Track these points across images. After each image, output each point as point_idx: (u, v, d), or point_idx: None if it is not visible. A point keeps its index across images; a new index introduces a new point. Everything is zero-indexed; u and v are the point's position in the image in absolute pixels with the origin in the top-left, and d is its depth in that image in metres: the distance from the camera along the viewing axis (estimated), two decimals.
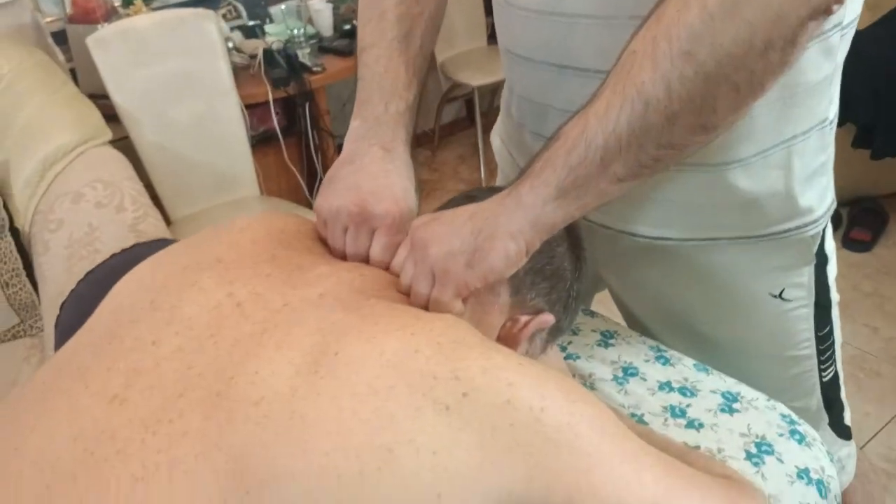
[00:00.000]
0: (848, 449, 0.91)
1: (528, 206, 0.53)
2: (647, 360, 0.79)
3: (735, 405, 0.73)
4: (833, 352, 0.81)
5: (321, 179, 2.19)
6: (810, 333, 0.77)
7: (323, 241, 0.66)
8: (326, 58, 2.09)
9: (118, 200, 1.39)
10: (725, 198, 0.67)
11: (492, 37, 2.24)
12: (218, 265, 0.56)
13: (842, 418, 0.88)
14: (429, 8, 0.72)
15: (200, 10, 1.76)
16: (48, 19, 1.86)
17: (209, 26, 1.73)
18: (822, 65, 0.62)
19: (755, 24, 0.45)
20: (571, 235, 0.68)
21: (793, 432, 0.70)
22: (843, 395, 0.86)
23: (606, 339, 0.84)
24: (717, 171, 0.65)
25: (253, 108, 1.94)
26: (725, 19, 0.45)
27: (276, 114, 1.99)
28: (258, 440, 0.43)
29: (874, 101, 1.81)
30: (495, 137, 0.93)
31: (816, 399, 0.83)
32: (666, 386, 0.76)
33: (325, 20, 2.19)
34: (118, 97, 1.63)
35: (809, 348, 0.78)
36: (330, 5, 2.20)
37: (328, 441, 0.42)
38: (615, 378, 0.77)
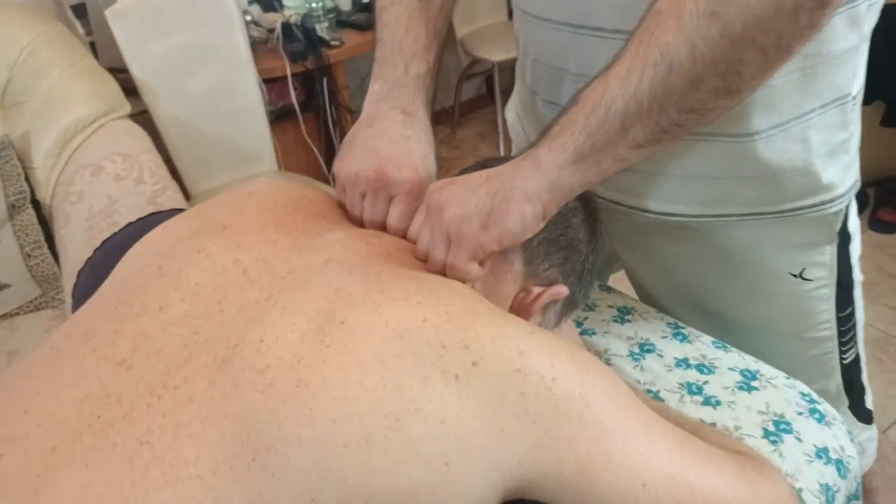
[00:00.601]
0: (869, 433, 0.89)
1: (545, 170, 0.52)
2: (664, 337, 0.78)
3: (753, 383, 0.72)
4: (854, 333, 0.79)
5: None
6: (831, 314, 0.75)
7: (332, 208, 0.65)
8: (345, 32, 2.07)
9: (137, 173, 1.39)
10: (743, 171, 0.65)
11: (512, 11, 2.22)
12: (224, 231, 0.56)
13: (863, 401, 0.86)
14: None
15: None
16: None
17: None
18: (847, 35, 0.60)
19: None
20: (588, 207, 0.67)
21: (812, 411, 0.69)
22: (864, 377, 0.84)
23: (623, 314, 0.82)
24: (735, 143, 0.63)
25: (271, 83, 1.94)
26: None
27: (295, 89, 1.98)
28: (264, 407, 0.43)
29: None
30: (510, 111, 0.91)
31: (836, 381, 0.81)
32: (683, 363, 0.75)
33: None
34: (136, 70, 1.63)
35: (830, 329, 0.76)
36: None
37: (334, 409, 0.42)
38: (631, 354, 0.76)
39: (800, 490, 0.62)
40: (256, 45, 1.90)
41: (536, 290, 0.62)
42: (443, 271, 0.56)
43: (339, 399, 0.42)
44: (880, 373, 1.58)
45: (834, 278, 0.72)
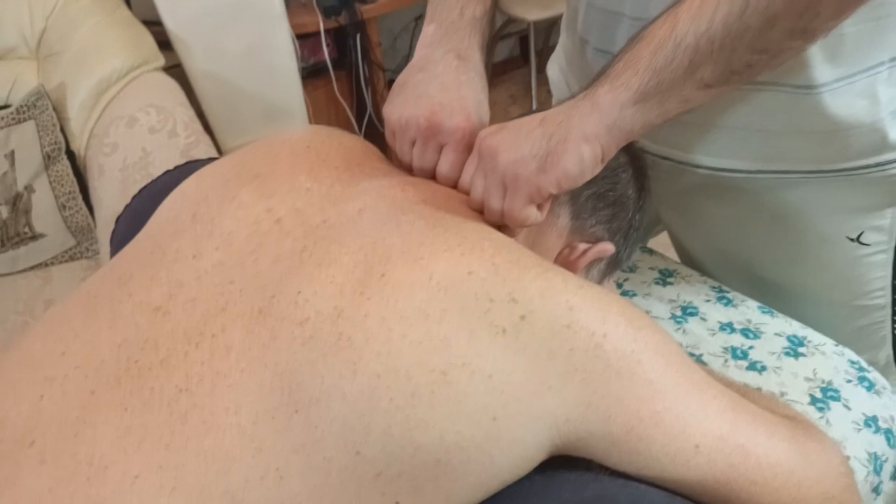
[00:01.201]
0: None
1: (605, 110, 0.50)
2: (707, 300, 0.76)
3: (800, 349, 0.70)
4: None
5: (370, 114, 2.17)
6: (886, 282, 0.73)
7: (367, 155, 0.63)
8: None
9: (171, 126, 1.39)
10: (804, 125, 0.62)
11: None
12: (256, 179, 0.55)
13: None
14: None
15: None
16: None
17: None
18: None
19: None
20: (636, 162, 0.65)
21: (861, 379, 0.67)
22: None
23: (665, 277, 0.81)
24: (798, 95, 0.60)
25: (304, 39, 1.91)
26: None
27: (327, 45, 1.96)
28: (305, 359, 0.42)
29: None
30: (553, 67, 0.88)
31: (886, 353, 0.79)
32: (727, 327, 0.73)
33: None
34: (170, 23, 1.61)
35: (884, 297, 0.74)
36: None
37: (378, 363, 0.41)
38: (673, 317, 0.75)
39: (847, 458, 0.60)
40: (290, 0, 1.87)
41: (582, 246, 0.60)
42: (500, 220, 0.54)
43: (382, 353, 0.41)
44: None
45: (893, 244, 0.69)
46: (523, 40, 2.96)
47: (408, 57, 2.43)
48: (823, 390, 0.66)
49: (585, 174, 0.52)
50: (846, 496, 0.48)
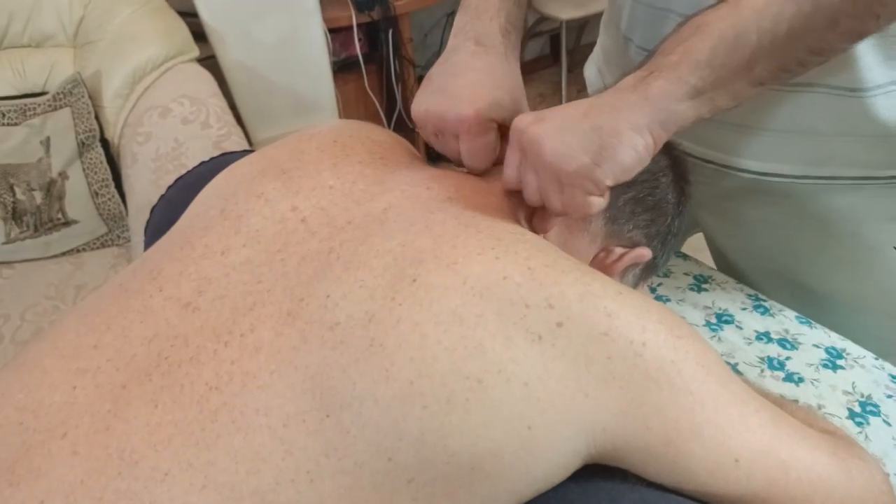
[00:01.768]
0: None
1: (658, 104, 0.48)
2: (743, 308, 0.75)
3: (839, 361, 0.68)
4: None
5: (400, 110, 2.17)
6: None
7: (395, 149, 0.62)
8: None
9: (204, 117, 1.40)
10: (855, 129, 0.60)
11: None
12: (283, 175, 0.54)
13: None
14: None
15: None
16: None
17: None
18: None
19: None
20: (678, 167, 0.63)
21: None
22: None
23: (700, 283, 0.79)
24: (849, 97, 0.58)
25: (336, 33, 1.92)
26: None
27: (359, 39, 1.96)
28: (336, 364, 0.41)
29: None
30: (590, 67, 0.86)
31: None
32: (764, 336, 0.71)
33: None
34: (206, 13, 1.62)
35: None
36: None
37: (412, 369, 0.40)
38: (707, 324, 0.73)
39: (887, 475, 0.59)
40: None
41: (619, 250, 0.59)
42: (562, 213, 0.53)
43: (416, 359, 0.40)
44: None
45: None
46: (554, 39, 2.94)
47: (438, 53, 2.42)
48: (862, 404, 0.64)
49: (641, 164, 0.50)
50: None
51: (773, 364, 0.68)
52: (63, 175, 1.40)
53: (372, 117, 2.12)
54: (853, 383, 0.66)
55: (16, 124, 1.36)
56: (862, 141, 0.60)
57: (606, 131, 0.49)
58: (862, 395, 0.65)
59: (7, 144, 1.36)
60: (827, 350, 0.69)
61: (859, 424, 0.62)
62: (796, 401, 0.64)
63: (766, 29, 0.44)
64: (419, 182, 0.55)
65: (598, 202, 0.52)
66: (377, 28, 1.97)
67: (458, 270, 0.43)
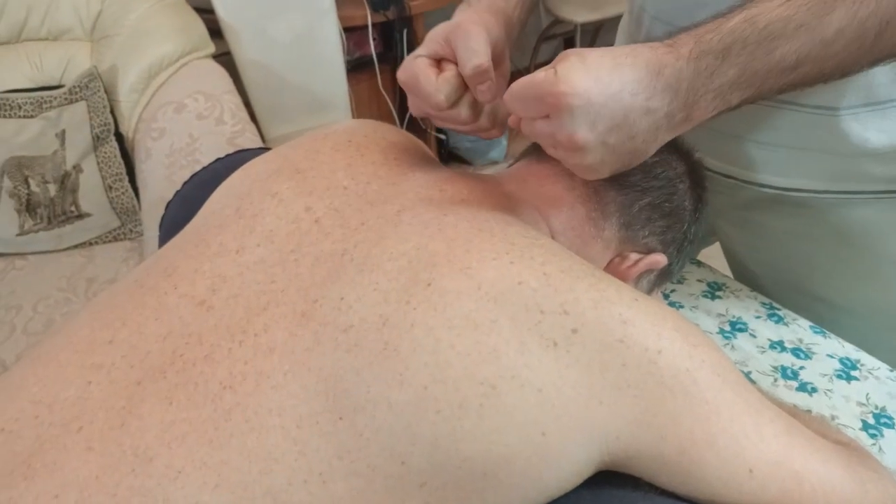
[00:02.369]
0: None
1: (707, 112, 0.49)
2: (757, 317, 0.74)
3: (853, 372, 0.67)
4: None
5: None
6: None
7: (409, 150, 0.61)
8: None
9: (218, 113, 1.40)
10: (876, 149, 0.60)
11: None
12: (297, 175, 0.54)
13: None
14: None
15: None
16: None
17: None
18: None
19: None
20: (695, 174, 0.63)
21: None
22: None
23: (713, 290, 0.79)
24: (869, 114, 0.58)
25: (350, 32, 1.92)
26: None
27: (374, 39, 1.96)
28: (349, 367, 0.41)
29: None
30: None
31: None
32: (778, 345, 0.71)
33: None
34: (222, 10, 1.63)
35: None
36: None
37: (426, 374, 0.40)
38: (721, 331, 0.73)
39: None
40: None
41: (634, 256, 0.59)
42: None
43: (430, 364, 0.40)
44: None
45: None
46: (568, 42, 2.93)
47: None
48: (876, 416, 0.63)
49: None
50: None
51: (787, 373, 0.68)
52: (77, 168, 1.41)
53: (385, 117, 2.12)
54: (867, 395, 0.65)
55: (32, 117, 1.37)
56: (886, 157, 0.60)
57: (639, 154, 0.50)
58: (876, 407, 0.64)
59: (23, 136, 1.37)
60: (841, 361, 0.69)
61: (873, 436, 0.62)
62: (809, 411, 0.64)
63: (832, 55, 0.46)
64: (432, 184, 0.55)
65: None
66: (392, 28, 1.97)
67: (472, 275, 0.43)
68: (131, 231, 1.47)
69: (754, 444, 0.43)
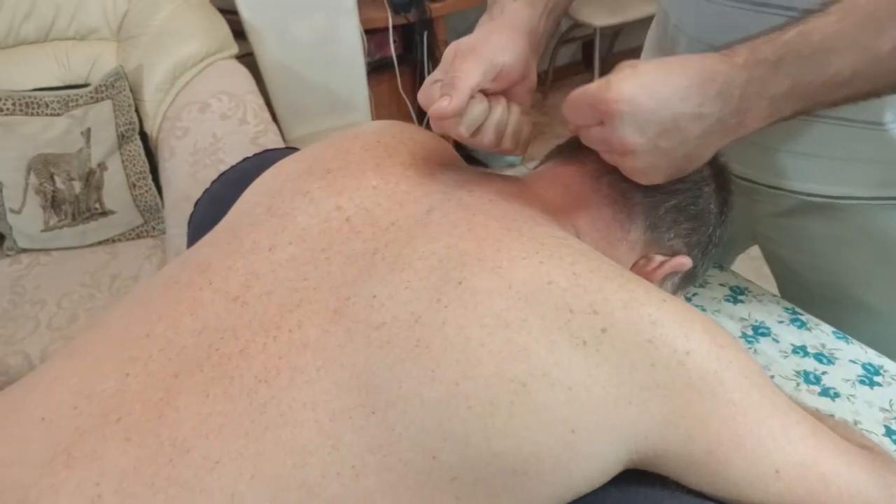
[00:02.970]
0: None
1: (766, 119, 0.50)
2: (780, 322, 0.74)
3: (876, 378, 0.67)
4: None
5: None
6: None
7: (438, 150, 0.62)
8: None
9: (241, 114, 1.42)
10: None
11: None
12: (328, 175, 0.55)
13: None
14: None
15: None
16: None
17: None
18: None
19: None
20: (720, 177, 0.63)
21: None
22: None
23: (736, 294, 0.79)
24: None
25: (371, 34, 1.93)
26: None
27: (394, 41, 1.97)
28: (382, 363, 0.42)
29: None
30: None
31: None
32: (800, 350, 0.71)
33: None
34: (246, 11, 1.65)
35: None
36: None
37: (457, 370, 0.41)
38: (744, 335, 0.73)
39: None
40: None
41: (659, 258, 0.59)
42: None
43: (461, 361, 0.41)
44: None
45: None
46: (586, 46, 2.94)
47: None
48: None
49: None
50: None
51: (810, 378, 0.68)
52: (102, 166, 1.43)
53: (404, 118, 2.13)
54: (890, 401, 0.65)
55: (58, 115, 1.39)
56: None
57: (694, 158, 0.51)
58: None
59: (49, 134, 1.39)
60: (864, 366, 0.69)
61: None
62: (832, 416, 0.64)
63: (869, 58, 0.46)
64: (460, 184, 0.55)
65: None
66: (412, 30, 1.98)
67: (502, 274, 0.44)
68: (154, 228, 1.49)
69: (781, 446, 0.43)
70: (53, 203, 1.42)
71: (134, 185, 1.46)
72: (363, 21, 1.82)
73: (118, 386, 0.44)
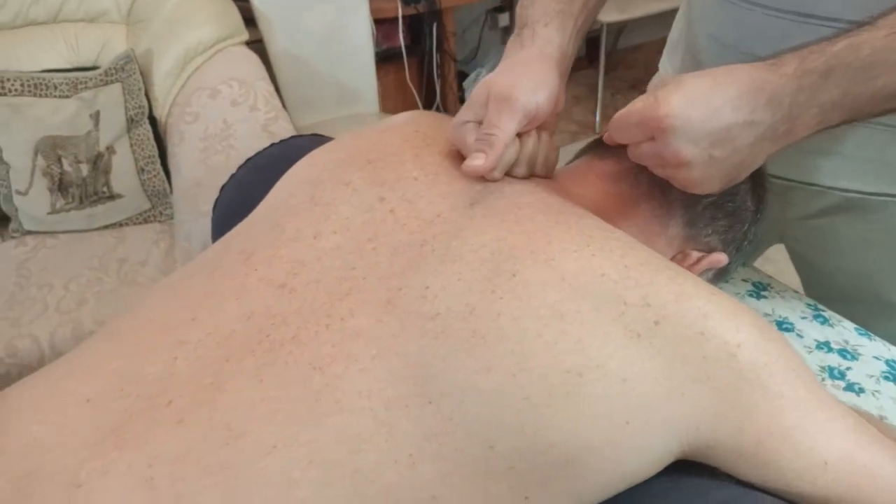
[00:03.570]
0: None
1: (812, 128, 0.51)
2: (803, 318, 0.75)
3: None
4: None
5: (439, 103, 2.18)
6: None
7: None
8: None
9: (252, 100, 1.41)
10: None
11: None
12: (368, 165, 0.55)
13: None
14: None
15: None
16: None
17: None
18: None
19: None
20: (756, 175, 0.64)
21: None
22: None
23: (759, 290, 0.79)
24: None
25: (380, 24, 1.93)
26: None
27: (403, 32, 1.97)
28: (436, 354, 0.42)
29: None
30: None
31: None
32: (824, 346, 0.71)
33: None
34: None
35: None
36: None
37: (513, 362, 0.41)
38: None
39: None
40: None
41: (696, 254, 0.59)
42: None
43: (516, 353, 0.41)
44: None
45: None
46: (591, 41, 2.94)
47: (476, 49, 2.43)
48: None
49: None
50: None
51: (834, 374, 0.68)
52: (110, 149, 1.42)
53: (410, 108, 2.12)
54: None
55: (67, 97, 1.38)
56: None
57: (746, 166, 0.51)
58: None
59: (58, 116, 1.38)
60: (887, 362, 0.69)
61: None
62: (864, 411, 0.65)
63: None
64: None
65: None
66: (421, 21, 1.98)
67: (555, 266, 0.44)
68: (161, 214, 1.48)
69: (827, 439, 0.44)
70: (61, 186, 1.41)
71: (142, 170, 1.45)
72: (373, 11, 1.81)
73: (167, 369, 0.43)
